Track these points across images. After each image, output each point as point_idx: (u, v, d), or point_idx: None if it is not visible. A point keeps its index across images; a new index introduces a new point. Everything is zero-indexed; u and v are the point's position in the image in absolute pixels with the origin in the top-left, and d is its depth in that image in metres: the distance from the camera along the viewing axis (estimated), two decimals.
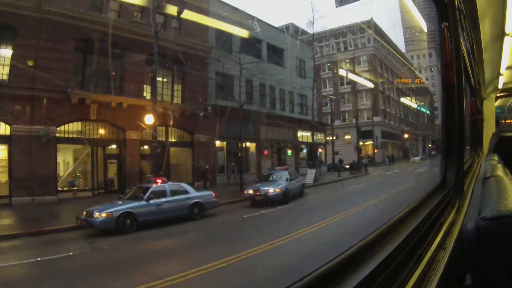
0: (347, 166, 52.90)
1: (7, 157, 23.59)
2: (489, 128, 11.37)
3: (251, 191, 23.38)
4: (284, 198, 23.25)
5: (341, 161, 54.28)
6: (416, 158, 70.23)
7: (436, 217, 3.33)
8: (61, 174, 26.99)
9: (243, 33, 34.22)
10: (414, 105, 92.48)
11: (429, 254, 2.61)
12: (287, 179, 24.95)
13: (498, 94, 14.48)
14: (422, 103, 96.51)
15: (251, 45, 38.14)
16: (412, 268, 2.36)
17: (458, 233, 3.05)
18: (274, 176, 25.95)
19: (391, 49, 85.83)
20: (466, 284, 2.28)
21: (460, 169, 4.58)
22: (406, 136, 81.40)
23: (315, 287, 1.69)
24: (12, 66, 23.35)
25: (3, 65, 23.45)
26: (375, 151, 70.09)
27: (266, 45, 43.07)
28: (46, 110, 23.86)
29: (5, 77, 23.44)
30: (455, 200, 4.21)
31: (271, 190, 22.89)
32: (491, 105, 13.39)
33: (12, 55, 23.54)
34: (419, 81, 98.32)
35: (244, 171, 34.52)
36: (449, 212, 3.75)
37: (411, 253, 2.49)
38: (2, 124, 23.03)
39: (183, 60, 29.94)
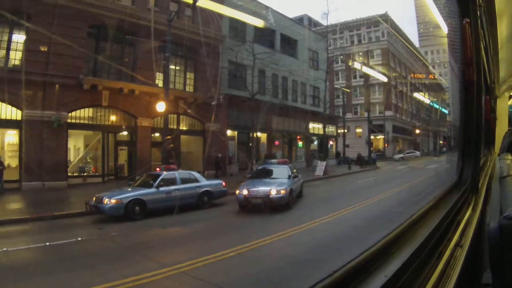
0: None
1: (18, 142, 23.78)
2: (501, 127, 11.28)
3: (244, 191, 17.64)
4: (289, 202, 17.83)
5: (338, 154, 53.94)
6: (397, 156, 64.87)
7: (454, 214, 3.32)
8: (71, 159, 27.16)
9: (257, 22, 34.09)
10: (426, 100, 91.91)
11: (448, 252, 2.63)
12: (289, 177, 19.29)
13: None
14: (435, 99, 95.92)
15: (264, 35, 38.09)
16: (433, 266, 2.37)
17: (473, 231, 3.05)
18: (271, 172, 20.48)
19: (406, 43, 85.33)
20: (484, 283, 2.27)
21: (476, 168, 4.57)
22: (417, 131, 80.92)
23: (344, 282, 1.69)
24: (24, 52, 23.43)
25: (16, 50, 23.53)
26: (386, 145, 69.89)
27: (279, 36, 42.98)
28: (58, 96, 23.97)
29: (17, 62, 23.55)
30: (471, 198, 4.19)
31: (273, 191, 17.31)
32: (504, 104, 13.25)
33: (25, 40, 23.61)
34: (432, 77, 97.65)
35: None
36: (465, 210, 3.75)
37: (432, 250, 2.51)
38: (14, 109, 23.14)
39: (196, 49, 29.93)
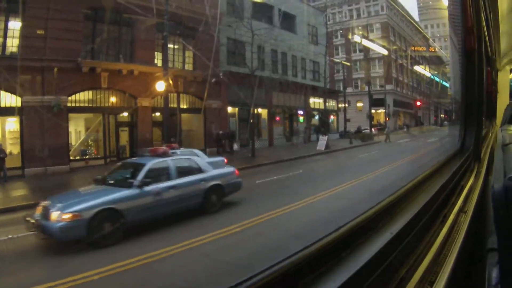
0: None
1: (18, 129, 23.74)
2: (502, 100, 11.28)
3: (37, 212, 10.44)
4: (90, 232, 9.79)
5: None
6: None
7: (457, 180, 3.33)
8: (73, 143, 27.14)
9: None
10: (427, 74, 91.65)
11: (452, 216, 2.67)
12: (138, 185, 11.39)
13: None
14: (436, 72, 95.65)
15: (262, 11, 37.91)
16: (438, 229, 2.45)
17: (477, 199, 3.06)
18: (126, 172, 13.20)
19: (406, 16, 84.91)
20: (488, 248, 2.28)
21: (478, 135, 4.58)
22: (418, 103, 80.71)
23: (352, 236, 1.76)
24: (21, 38, 23.24)
25: (13, 37, 23.39)
26: (387, 119, 69.81)
27: (277, 11, 42.66)
28: (57, 80, 23.89)
29: (14, 49, 23.41)
30: (474, 166, 4.21)
31: (55, 214, 9.75)
32: (505, 77, 13.20)
33: (22, 27, 23.42)
34: (433, 50, 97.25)
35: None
36: (468, 177, 3.77)
37: (437, 213, 2.54)
38: (13, 96, 23.02)
39: (194, 27, 29.76)
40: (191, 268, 8.29)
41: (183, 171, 13.05)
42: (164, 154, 13.45)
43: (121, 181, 12.26)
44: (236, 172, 14.87)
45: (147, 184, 11.51)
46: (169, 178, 12.46)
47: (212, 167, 14.03)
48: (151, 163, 12.38)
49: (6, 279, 7.96)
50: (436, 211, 2.53)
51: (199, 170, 13.42)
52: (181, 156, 14.52)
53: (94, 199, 10.60)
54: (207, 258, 8.73)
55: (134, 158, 15.71)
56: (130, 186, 11.34)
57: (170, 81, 26.14)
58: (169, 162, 12.96)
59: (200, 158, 15.16)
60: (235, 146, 32.62)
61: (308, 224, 10.60)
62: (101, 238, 9.86)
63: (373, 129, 56.88)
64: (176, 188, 12.23)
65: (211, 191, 13.15)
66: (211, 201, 13.11)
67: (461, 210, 2.87)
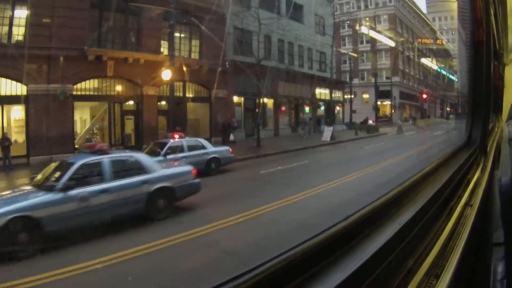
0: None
1: (24, 117, 23.79)
2: (509, 95, 11.21)
3: None
4: (2, 243, 8.50)
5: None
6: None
7: (463, 174, 3.31)
8: (78, 131, 27.14)
9: None
10: (434, 66, 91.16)
11: (458, 210, 2.67)
12: (60, 188, 9.72)
13: None
14: (443, 65, 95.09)
15: (269, 0, 37.73)
16: (444, 221, 2.47)
17: (483, 193, 3.04)
18: (51, 173, 11.05)
19: (414, 7, 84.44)
20: (494, 242, 2.26)
21: (485, 129, 4.56)
22: (424, 96, 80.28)
23: (360, 226, 1.77)
24: (27, 26, 23.20)
25: (19, 26, 23.35)
26: (393, 111, 69.56)
27: (285, 1, 42.45)
28: (63, 68, 23.84)
29: (20, 37, 23.37)
30: (480, 159, 4.18)
31: None
32: None
33: (28, 15, 23.36)
34: (440, 42, 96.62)
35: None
36: (474, 171, 3.77)
37: (443, 206, 2.55)
38: (19, 84, 23.03)
39: (201, 16, 29.67)
40: (193, 259, 8.31)
41: (121, 172, 11.25)
42: (99, 151, 11.36)
43: (46, 183, 10.32)
44: (194, 172, 12.81)
45: (72, 187, 9.84)
46: (102, 180, 10.64)
47: (161, 167, 12.34)
48: (81, 163, 10.59)
49: None
50: (443, 203, 2.52)
51: (143, 171, 11.52)
52: (121, 154, 13.13)
53: (7, 204, 9.08)
54: (211, 248, 8.75)
55: (70, 156, 13.76)
56: (52, 189, 9.69)
57: (185, 68, 26.22)
58: (104, 161, 10.94)
59: (146, 156, 13.23)
60: (231, 137, 32.41)
61: (314, 214, 10.59)
62: (16, 250, 8.41)
63: (371, 121, 56.76)
64: (109, 192, 10.43)
65: (157, 195, 11.29)
66: (156, 207, 11.23)
67: (468, 204, 2.86)
